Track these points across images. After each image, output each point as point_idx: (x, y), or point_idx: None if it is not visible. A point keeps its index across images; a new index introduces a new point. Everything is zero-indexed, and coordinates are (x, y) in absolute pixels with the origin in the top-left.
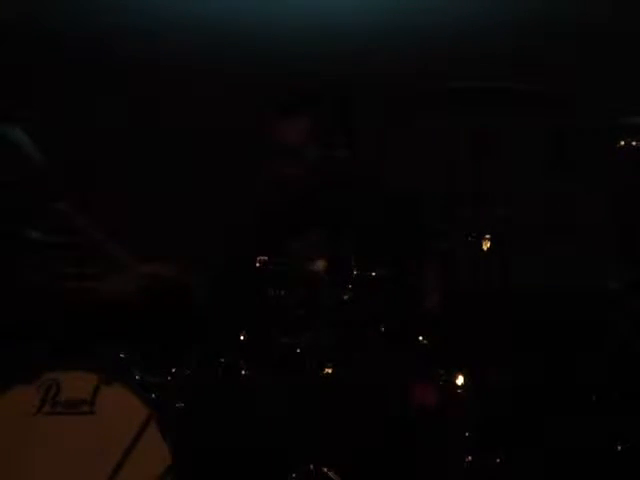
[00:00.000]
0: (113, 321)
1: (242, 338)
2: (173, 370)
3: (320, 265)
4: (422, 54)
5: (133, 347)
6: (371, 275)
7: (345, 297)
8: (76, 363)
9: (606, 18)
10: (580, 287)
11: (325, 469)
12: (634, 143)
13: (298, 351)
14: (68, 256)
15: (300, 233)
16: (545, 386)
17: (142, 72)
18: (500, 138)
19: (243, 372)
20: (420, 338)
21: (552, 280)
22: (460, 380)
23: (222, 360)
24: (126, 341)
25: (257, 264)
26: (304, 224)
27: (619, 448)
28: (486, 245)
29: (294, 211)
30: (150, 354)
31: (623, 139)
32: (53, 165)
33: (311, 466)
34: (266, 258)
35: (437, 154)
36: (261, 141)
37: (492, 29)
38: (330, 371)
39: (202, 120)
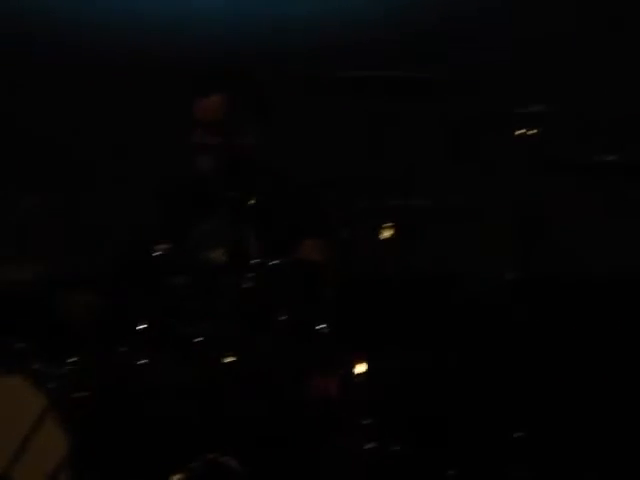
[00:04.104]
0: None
1: (141, 327)
2: (72, 360)
3: (221, 253)
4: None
5: (31, 337)
6: (272, 263)
7: (245, 285)
8: None
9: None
10: (477, 275)
11: (225, 458)
12: (531, 132)
13: (198, 340)
14: None
15: (202, 219)
16: (445, 372)
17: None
18: (399, 126)
19: (143, 362)
20: (320, 327)
21: (453, 268)
22: (360, 368)
23: (122, 350)
24: (24, 331)
25: (157, 252)
26: (207, 210)
27: (517, 435)
28: (387, 233)
29: (197, 197)
30: (49, 344)
31: (520, 128)
32: None
33: (211, 455)
34: (166, 246)
35: (338, 142)
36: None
37: (388, 15)
38: (231, 360)
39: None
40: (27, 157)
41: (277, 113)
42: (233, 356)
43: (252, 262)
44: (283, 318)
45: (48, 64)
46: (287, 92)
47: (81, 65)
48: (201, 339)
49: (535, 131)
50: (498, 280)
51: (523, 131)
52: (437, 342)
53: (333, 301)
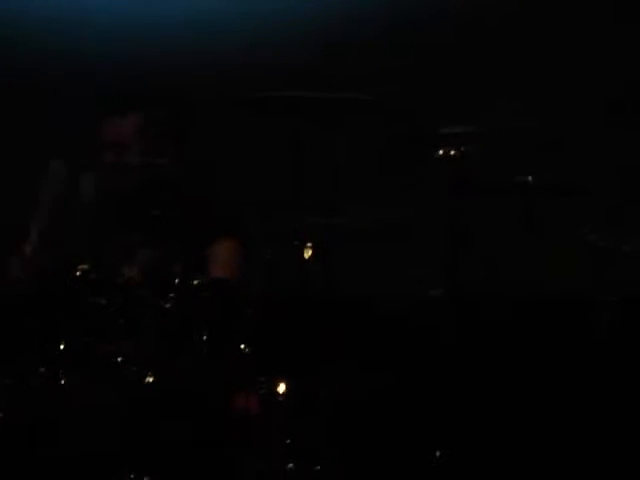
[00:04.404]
0: None
1: (61, 347)
2: None
3: (141, 273)
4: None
5: None
6: (193, 283)
7: (167, 305)
8: None
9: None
10: (402, 294)
11: (146, 478)
12: (452, 152)
13: (119, 360)
14: None
15: (122, 239)
16: (370, 393)
17: None
18: (325, 145)
19: (62, 382)
20: (242, 346)
21: (375, 287)
22: (282, 388)
23: (41, 370)
24: None
25: (77, 272)
26: (127, 230)
27: (437, 454)
28: (308, 253)
29: (116, 217)
30: None
31: (442, 148)
32: None
33: (132, 476)
34: (86, 266)
35: (259, 161)
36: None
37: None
38: (152, 380)
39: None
40: None
41: (199, 132)
42: (153, 376)
43: (172, 281)
44: (203, 337)
45: None
46: (211, 112)
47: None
48: (121, 359)
49: (457, 151)
50: (423, 298)
51: (446, 151)
52: (361, 362)
53: (253, 320)
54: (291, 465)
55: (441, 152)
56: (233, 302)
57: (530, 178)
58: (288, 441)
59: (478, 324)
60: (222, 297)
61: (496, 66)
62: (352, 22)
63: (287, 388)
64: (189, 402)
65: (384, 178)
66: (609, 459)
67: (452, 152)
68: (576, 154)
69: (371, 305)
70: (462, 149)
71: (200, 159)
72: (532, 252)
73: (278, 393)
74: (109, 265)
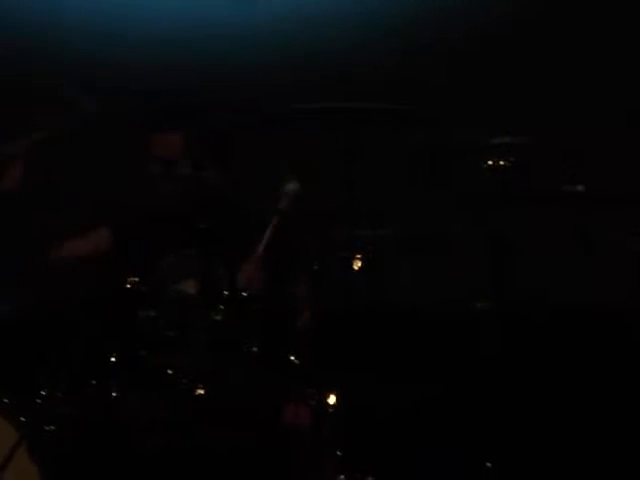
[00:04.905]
0: None
1: (113, 360)
2: (43, 393)
3: (191, 285)
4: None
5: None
6: (242, 295)
7: (217, 317)
8: None
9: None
10: (449, 307)
11: None
12: (501, 162)
13: (170, 372)
14: None
15: (172, 252)
16: (418, 405)
17: None
18: (372, 157)
19: (114, 394)
20: (292, 358)
21: (423, 299)
22: (332, 399)
23: (93, 382)
24: None
25: (128, 285)
26: (176, 243)
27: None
28: (356, 264)
29: (165, 230)
30: (21, 376)
31: (491, 159)
32: None
33: None
34: (137, 279)
35: (309, 173)
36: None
37: (360, 47)
38: (202, 392)
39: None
40: None
41: (242, 147)
42: (204, 388)
43: (223, 294)
44: (254, 349)
45: None
46: (257, 125)
47: None
48: (173, 371)
49: (505, 162)
50: (469, 311)
51: (493, 162)
52: (408, 374)
53: (305, 332)
54: (342, 477)
55: (490, 162)
56: (283, 314)
57: (579, 188)
58: (339, 452)
59: (525, 336)
60: (272, 309)
61: (543, 75)
62: (396, 35)
63: (337, 400)
64: (239, 414)
65: (431, 189)
66: None
67: (501, 162)
68: (623, 163)
69: (419, 316)
70: (511, 159)
71: (247, 172)
72: (580, 263)
73: (328, 404)
74: (161, 278)
